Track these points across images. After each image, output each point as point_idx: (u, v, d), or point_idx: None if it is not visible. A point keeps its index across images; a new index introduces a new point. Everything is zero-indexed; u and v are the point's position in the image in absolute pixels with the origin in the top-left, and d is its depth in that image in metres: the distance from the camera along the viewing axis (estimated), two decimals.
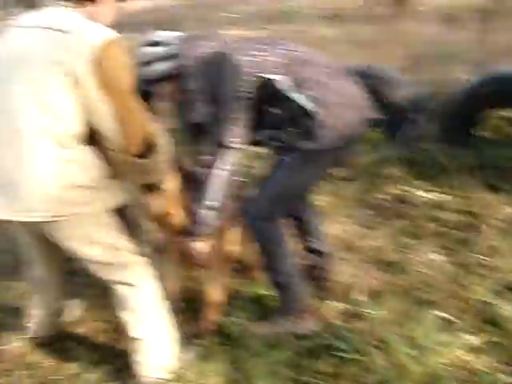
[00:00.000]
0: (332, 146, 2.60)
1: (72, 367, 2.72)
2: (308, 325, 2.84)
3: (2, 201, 2.16)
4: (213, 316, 2.91)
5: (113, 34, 2.11)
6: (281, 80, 2.52)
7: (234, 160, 2.55)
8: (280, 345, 2.72)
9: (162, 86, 2.66)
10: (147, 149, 2.21)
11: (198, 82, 2.58)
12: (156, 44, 2.65)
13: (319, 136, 2.54)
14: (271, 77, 2.52)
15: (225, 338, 2.82)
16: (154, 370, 2.53)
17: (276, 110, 2.59)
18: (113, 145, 2.17)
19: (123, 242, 2.39)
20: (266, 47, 2.60)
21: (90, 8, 2.23)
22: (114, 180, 2.27)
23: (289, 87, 2.52)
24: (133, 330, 2.48)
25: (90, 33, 2.09)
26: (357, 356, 2.55)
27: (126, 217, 2.43)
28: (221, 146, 2.52)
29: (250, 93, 2.52)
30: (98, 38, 2.07)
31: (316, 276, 3.16)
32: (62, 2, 2.20)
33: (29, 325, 2.84)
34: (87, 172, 2.18)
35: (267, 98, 2.55)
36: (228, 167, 2.53)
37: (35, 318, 2.82)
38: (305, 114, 2.52)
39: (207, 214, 2.56)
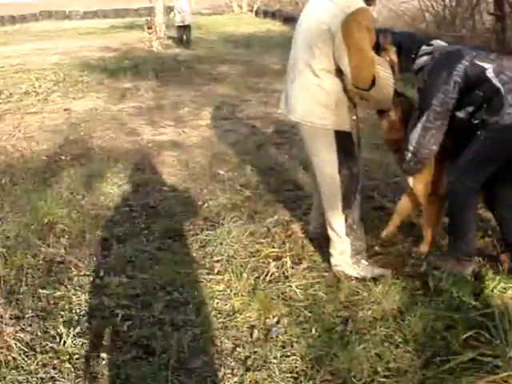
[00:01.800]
0: None
1: None
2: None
3: (284, 106, 3.58)
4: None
5: (361, 4, 3.12)
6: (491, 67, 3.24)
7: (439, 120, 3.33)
8: None
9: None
10: (373, 84, 3.16)
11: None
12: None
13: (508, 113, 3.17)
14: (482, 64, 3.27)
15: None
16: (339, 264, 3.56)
17: (477, 91, 3.25)
18: (349, 80, 3.17)
19: (334, 165, 3.38)
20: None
21: None
22: (347, 109, 3.33)
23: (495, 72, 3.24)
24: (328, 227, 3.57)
25: (347, 4, 3.10)
26: None
27: (347, 143, 3.39)
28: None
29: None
30: (351, 7, 3.07)
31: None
32: None
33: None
34: (330, 96, 3.27)
35: (473, 82, 3.26)
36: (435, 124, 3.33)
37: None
38: (497, 93, 3.18)
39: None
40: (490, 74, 3.22)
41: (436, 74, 3.33)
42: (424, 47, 3.57)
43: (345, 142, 3.38)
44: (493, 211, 3.71)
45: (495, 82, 3.20)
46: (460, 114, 3.33)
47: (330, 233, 3.57)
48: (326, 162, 3.42)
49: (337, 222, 3.51)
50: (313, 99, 3.31)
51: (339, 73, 3.23)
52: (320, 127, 3.34)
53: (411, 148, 3.41)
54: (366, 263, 3.58)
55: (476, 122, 3.31)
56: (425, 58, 3.50)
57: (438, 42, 3.62)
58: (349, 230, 3.51)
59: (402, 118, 3.58)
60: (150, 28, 18.08)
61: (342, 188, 3.43)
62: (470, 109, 3.30)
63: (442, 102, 3.28)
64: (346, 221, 3.50)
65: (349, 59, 3.11)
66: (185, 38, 18.35)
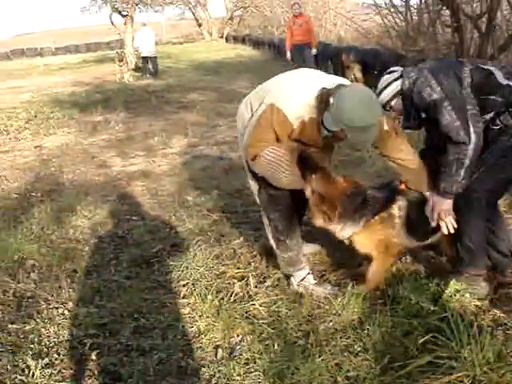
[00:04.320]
0: None
1: None
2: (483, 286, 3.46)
3: None
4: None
5: (282, 105, 3.24)
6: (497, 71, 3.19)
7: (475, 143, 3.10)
8: None
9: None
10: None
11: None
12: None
13: None
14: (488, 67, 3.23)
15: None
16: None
17: (495, 97, 3.16)
18: None
19: (254, 188, 3.72)
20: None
21: None
22: None
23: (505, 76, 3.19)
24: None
25: (270, 98, 3.35)
26: None
27: None
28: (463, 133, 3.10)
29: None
30: (270, 101, 3.32)
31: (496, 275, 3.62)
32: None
33: None
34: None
35: (482, 86, 3.16)
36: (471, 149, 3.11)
37: None
38: None
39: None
40: (499, 77, 3.18)
41: (445, 84, 3.16)
42: (386, 76, 3.43)
43: None
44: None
45: None
46: None
47: None
48: (250, 183, 3.78)
49: (268, 236, 3.79)
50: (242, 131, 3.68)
51: None
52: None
53: (467, 162, 3.12)
54: (313, 281, 3.71)
55: (497, 127, 3.23)
56: (394, 84, 3.36)
57: (399, 68, 3.46)
58: (276, 242, 3.69)
59: (324, 195, 3.33)
60: (120, 61, 18.25)
61: (264, 206, 3.68)
62: (489, 116, 3.21)
63: (472, 104, 3.14)
64: (272, 233, 3.71)
65: (250, 129, 3.45)
66: (151, 68, 18.48)
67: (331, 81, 3.30)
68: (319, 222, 3.43)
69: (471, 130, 3.08)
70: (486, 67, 3.26)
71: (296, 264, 3.68)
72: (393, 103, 3.41)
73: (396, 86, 3.36)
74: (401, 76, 3.36)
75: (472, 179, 3.21)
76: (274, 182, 3.36)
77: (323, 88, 3.20)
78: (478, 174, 3.24)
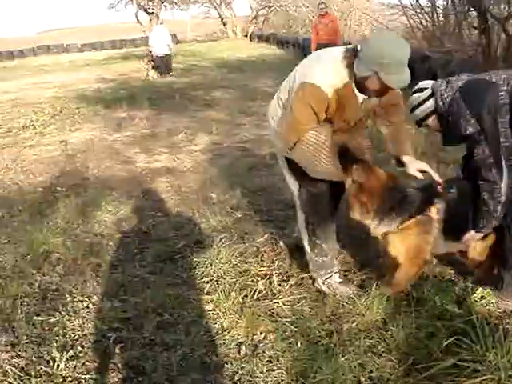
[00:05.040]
0: None
1: None
2: None
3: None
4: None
5: (316, 81, 3.13)
6: None
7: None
8: None
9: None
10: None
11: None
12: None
13: None
14: None
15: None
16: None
17: None
18: None
19: (294, 186, 3.64)
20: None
21: None
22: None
23: None
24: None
25: (304, 73, 3.26)
26: None
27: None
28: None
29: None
30: (306, 78, 3.20)
31: None
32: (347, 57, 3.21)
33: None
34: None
35: None
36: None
37: None
38: None
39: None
40: None
41: (480, 115, 3.01)
42: (416, 94, 3.31)
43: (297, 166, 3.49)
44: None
45: None
46: None
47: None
48: (289, 182, 3.69)
49: (303, 237, 3.70)
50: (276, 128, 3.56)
51: None
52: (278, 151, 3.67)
53: (503, 198, 3.07)
54: (339, 280, 3.71)
55: None
56: (428, 103, 3.25)
57: (428, 82, 3.33)
58: (312, 245, 3.65)
59: (364, 186, 3.31)
60: (149, 60, 18.34)
61: (304, 206, 3.61)
62: None
63: (506, 135, 3.05)
64: (309, 236, 3.65)
65: (286, 117, 3.37)
66: (163, 66, 18.35)
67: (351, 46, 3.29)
68: (356, 214, 3.38)
69: (503, 165, 3.02)
70: None
71: (329, 267, 3.68)
72: (429, 122, 3.33)
73: (429, 106, 3.26)
74: (432, 94, 3.24)
75: None
76: (312, 170, 3.33)
77: (346, 49, 3.20)
78: None
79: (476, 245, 3.41)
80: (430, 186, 3.39)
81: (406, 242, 3.37)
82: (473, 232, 3.28)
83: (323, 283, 3.67)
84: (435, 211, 3.33)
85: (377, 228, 3.39)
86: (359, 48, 3.08)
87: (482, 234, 3.29)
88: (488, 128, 3.00)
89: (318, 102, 3.17)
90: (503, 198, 3.06)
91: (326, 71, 3.18)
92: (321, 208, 3.57)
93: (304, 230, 3.68)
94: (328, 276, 3.68)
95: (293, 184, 3.67)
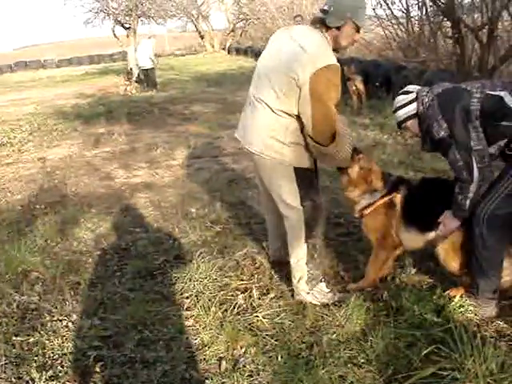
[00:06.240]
0: None
1: None
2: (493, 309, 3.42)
3: (243, 134, 3.65)
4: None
5: (332, 60, 3.20)
6: (508, 95, 3.12)
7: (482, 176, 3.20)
8: None
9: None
10: (332, 141, 3.30)
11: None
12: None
13: None
14: (497, 93, 3.15)
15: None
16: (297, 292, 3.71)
17: (507, 123, 3.12)
18: (308, 132, 3.29)
19: (296, 195, 3.51)
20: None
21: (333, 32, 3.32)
22: (304, 147, 3.43)
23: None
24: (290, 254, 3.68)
25: (317, 54, 3.19)
26: None
27: (307, 175, 3.54)
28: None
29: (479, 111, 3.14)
30: (321, 60, 3.16)
31: None
32: (318, 25, 3.33)
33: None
34: (288, 134, 3.38)
35: (494, 113, 3.13)
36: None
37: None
38: None
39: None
40: (510, 102, 3.11)
41: (451, 121, 3.18)
42: (402, 96, 3.46)
43: (305, 174, 3.51)
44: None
45: None
46: (491, 150, 3.21)
47: (291, 260, 3.69)
48: (289, 192, 3.53)
49: (298, 250, 3.63)
50: (271, 135, 3.40)
51: (299, 118, 3.33)
52: (279, 161, 3.45)
53: (471, 195, 3.24)
54: (326, 290, 3.70)
55: (511, 153, 3.21)
56: (411, 106, 3.40)
57: (415, 87, 3.48)
58: (309, 259, 3.63)
59: (360, 176, 3.67)
60: (129, 77, 18.32)
61: (306, 218, 3.55)
62: (503, 142, 3.19)
63: (478, 138, 3.16)
64: (308, 249, 3.62)
65: (312, 112, 3.22)
66: (148, 80, 18.37)
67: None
68: (355, 194, 3.72)
69: (474, 168, 3.17)
70: (495, 93, 3.16)
71: (317, 278, 3.69)
72: (407, 124, 3.48)
73: (411, 109, 3.41)
74: (416, 98, 3.40)
75: (489, 204, 3.26)
76: (337, 157, 3.43)
77: (313, 19, 3.44)
78: (494, 198, 3.25)
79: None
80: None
81: (376, 221, 3.70)
82: (449, 213, 3.40)
83: (308, 293, 3.67)
84: (398, 197, 3.62)
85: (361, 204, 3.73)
86: (326, 7, 3.28)
87: (457, 220, 3.39)
88: (458, 132, 3.17)
89: (339, 80, 3.30)
90: (471, 195, 3.24)
91: (326, 47, 3.30)
92: (322, 218, 3.64)
93: (302, 245, 3.61)
94: (315, 286, 3.68)
95: (290, 194, 3.53)
